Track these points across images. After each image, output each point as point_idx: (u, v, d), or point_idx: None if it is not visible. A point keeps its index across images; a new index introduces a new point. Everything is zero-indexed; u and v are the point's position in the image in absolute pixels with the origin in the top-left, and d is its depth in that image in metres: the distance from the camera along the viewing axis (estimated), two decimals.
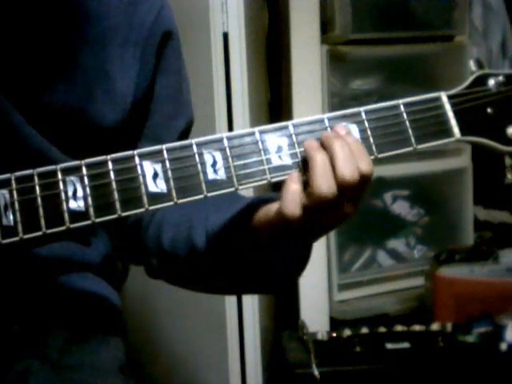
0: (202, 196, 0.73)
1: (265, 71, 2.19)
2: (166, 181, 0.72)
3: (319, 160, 0.73)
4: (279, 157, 0.75)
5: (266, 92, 2.20)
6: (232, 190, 0.74)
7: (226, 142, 0.75)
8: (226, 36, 1.82)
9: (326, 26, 2.04)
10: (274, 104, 2.18)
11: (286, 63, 2.02)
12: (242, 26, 1.82)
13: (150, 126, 0.99)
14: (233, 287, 0.97)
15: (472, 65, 0.81)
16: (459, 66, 2.15)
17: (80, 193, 0.71)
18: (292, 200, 0.73)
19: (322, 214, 0.74)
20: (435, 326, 1.84)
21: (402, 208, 2.27)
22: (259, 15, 2.17)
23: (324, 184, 0.72)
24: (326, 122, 0.77)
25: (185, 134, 1.02)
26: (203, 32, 1.82)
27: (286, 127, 0.76)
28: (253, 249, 0.82)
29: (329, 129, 0.77)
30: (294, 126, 0.76)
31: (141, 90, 0.96)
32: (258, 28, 2.15)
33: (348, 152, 0.73)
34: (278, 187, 0.76)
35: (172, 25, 1.01)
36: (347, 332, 1.82)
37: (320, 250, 1.99)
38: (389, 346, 1.77)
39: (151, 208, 0.72)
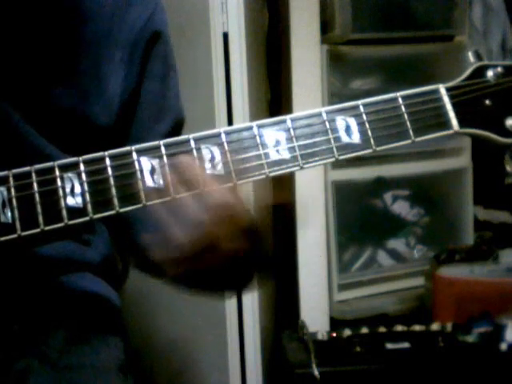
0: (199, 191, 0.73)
1: (265, 71, 2.19)
2: (164, 176, 0.72)
3: None
4: (277, 151, 0.75)
5: (265, 92, 2.20)
6: (230, 184, 0.73)
7: (223, 136, 0.75)
8: (226, 36, 1.82)
9: (326, 25, 2.04)
10: (274, 104, 2.17)
11: (286, 63, 2.01)
12: (241, 26, 1.82)
13: (135, 128, 0.99)
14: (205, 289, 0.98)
15: (470, 56, 0.81)
16: (459, 66, 2.14)
17: (78, 189, 0.71)
18: None
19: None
20: (435, 326, 1.84)
21: (402, 208, 2.27)
22: (259, 15, 2.17)
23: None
24: (324, 115, 0.77)
25: (170, 136, 1.02)
26: (203, 32, 1.82)
27: (284, 121, 0.76)
28: None
29: (327, 123, 0.77)
30: (292, 120, 0.76)
31: (127, 93, 0.96)
32: (258, 28, 2.15)
33: None
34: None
35: (162, 26, 1.00)
36: (347, 332, 1.81)
37: (320, 250, 1.99)
38: (389, 346, 1.77)
39: (149, 203, 0.72)
